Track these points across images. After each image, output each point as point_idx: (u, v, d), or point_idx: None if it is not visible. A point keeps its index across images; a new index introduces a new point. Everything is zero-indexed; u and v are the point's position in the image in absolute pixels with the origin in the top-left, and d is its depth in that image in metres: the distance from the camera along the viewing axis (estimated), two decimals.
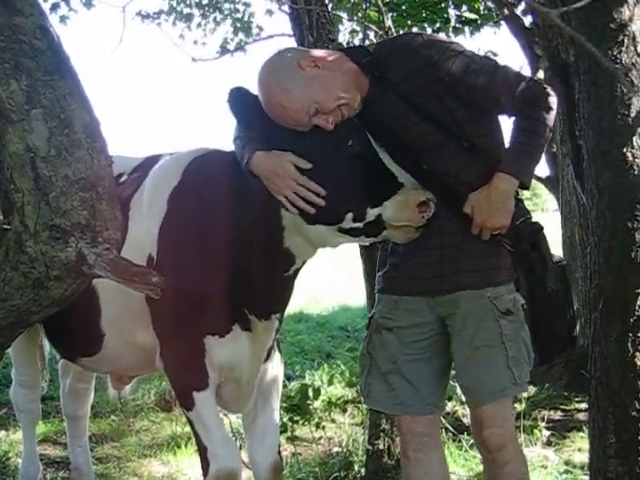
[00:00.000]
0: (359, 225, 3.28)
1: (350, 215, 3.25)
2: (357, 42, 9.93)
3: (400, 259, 3.44)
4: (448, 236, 3.34)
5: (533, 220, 3.46)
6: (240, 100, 3.35)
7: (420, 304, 3.41)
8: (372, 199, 3.25)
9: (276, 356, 4.05)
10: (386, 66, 3.35)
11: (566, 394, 7.39)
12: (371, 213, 3.25)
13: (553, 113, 3.31)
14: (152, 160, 4.05)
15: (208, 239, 3.59)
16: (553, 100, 3.30)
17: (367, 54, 3.43)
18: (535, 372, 3.57)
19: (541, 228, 3.45)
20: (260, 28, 12.11)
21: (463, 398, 5.92)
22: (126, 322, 3.84)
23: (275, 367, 4.04)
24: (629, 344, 4.05)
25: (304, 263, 3.62)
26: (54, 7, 8.69)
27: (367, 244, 3.40)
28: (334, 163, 3.26)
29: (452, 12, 10.13)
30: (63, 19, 8.93)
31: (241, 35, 12.11)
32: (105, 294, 3.78)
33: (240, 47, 11.49)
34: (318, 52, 3.43)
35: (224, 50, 11.83)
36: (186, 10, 11.74)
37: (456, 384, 4.13)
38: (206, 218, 3.60)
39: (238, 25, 12.01)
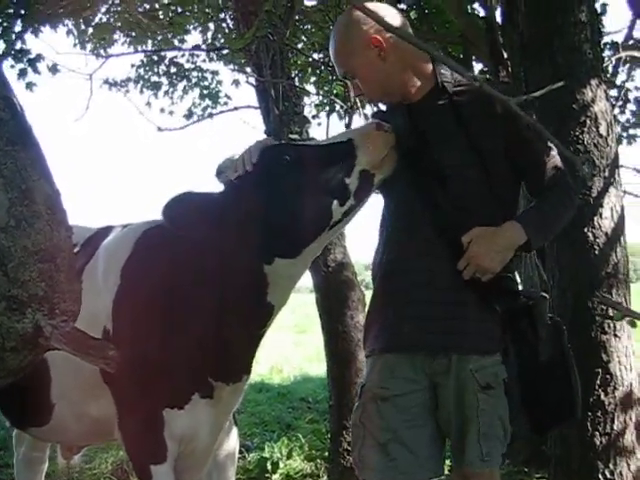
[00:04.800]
0: (351, 202, 3.31)
1: (336, 203, 3.29)
2: (323, 115, 10.04)
3: (398, 314, 3.38)
4: (445, 293, 3.29)
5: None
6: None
7: (417, 371, 3.36)
8: (343, 173, 3.30)
9: (232, 428, 4.01)
10: (463, 94, 3.38)
11: (526, 470, 7.35)
12: (353, 180, 3.30)
13: (573, 212, 3.42)
14: (105, 231, 4.06)
15: (165, 310, 3.56)
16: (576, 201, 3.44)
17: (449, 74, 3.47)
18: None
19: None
20: (228, 97, 12.16)
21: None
22: (77, 393, 3.80)
23: (231, 438, 4.00)
24: (588, 424, 4.07)
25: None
26: (22, 73, 8.67)
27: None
28: (291, 180, 3.31)
29: None
30: (30, 86, 8.91)
31: (208, 101, 12.15)
32: (56, 365, 3.74)
33: (208, 115, 11.52)
34: (397, 44, 3.36)
35: (190, 115, 11.88)
36: (154, 78, 11.78)
37: None
38: (162, 289, 3.58)
39: (205, 92, 12.06)
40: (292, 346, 17.30)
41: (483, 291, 3.26)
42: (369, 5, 3.43)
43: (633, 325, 4.11)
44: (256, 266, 3.38)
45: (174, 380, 3.54)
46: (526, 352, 3.31)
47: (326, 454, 7.27)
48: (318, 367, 13.31)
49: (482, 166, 3.30)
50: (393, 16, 3.39)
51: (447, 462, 4.09)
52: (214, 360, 3.56)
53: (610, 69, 8.16)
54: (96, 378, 3.59)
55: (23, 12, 7.92)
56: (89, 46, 10.90)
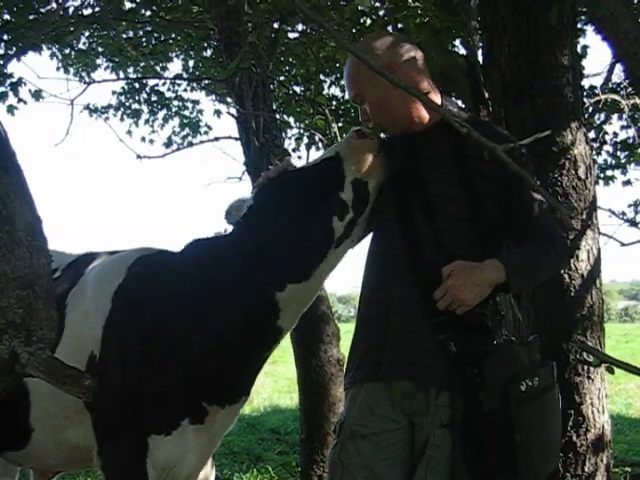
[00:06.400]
0: (351, 215, 3.38)
1: (335, 218, 3.36)
2: (303, 148, 10.06)
3: (377, 344, 3.36)
4: (420, 325, 3.26)
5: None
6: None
7: (396, 409, 3.33)
8: (336, 188, 3.37)
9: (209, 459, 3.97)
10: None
11: None
12: (347, 192, 3.37)
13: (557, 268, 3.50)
14: (88, 257, 4.03)
15: (157, 336, 3.54)
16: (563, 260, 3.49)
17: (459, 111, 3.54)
18: None
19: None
20: (209, 127, 12.15)
21: None
22: (57, 419, 3.74)
23: (207, 467, 3.95)
24: (560, 465, 4.07)
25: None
26: (1, 96, 8.65)
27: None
28: (289, 206, 3.40)
29: None
30: (11, 109, 8.89)
31: (187, 130, 12.13)
32: (37, 389, 3.70)
33: (188, 144, 11.50)
34: (409, 74, 3.38)
35: (170, 143, 11.86)
36: (135, 106, 11.75)
37: None
38: (157, 316, 3.57)
39: (185, 121, 12.03)
40: (263, 377, 17.25)
41: (454, 325, 3.20)
42: (386, 35, 3.59)
43: (611, 372, 4.11)
44: (267, 294, 3.43)
45: (163, 407, 3.52)
46: (469, 401, 3.18)
47: None
48: (289, 399, 13.28)
49: (471, 206, 3.30)
50: (407, 48, 3.44)
51: None
52: (211, 384, 3.55)
53: (589, 111, 8.22)
54: (77, 404, 3.54)
55: (7, 37, 7.92)
56: (72, 70, 10.91)
